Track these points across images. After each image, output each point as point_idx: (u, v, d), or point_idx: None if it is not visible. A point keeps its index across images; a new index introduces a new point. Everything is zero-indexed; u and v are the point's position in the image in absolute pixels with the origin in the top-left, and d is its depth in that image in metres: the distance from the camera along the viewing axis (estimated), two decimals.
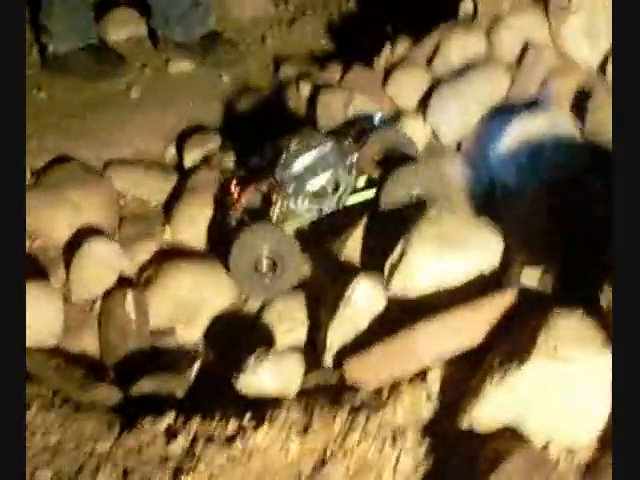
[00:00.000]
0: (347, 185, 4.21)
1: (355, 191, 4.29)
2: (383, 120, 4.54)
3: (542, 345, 2.90)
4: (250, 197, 4.17)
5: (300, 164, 4.10)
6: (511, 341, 3.05)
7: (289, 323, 3.76)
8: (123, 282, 4.01)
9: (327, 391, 3.28)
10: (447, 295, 3.40)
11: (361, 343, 3.37)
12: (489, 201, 4.16)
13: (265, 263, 3.97)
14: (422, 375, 3.22)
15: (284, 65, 5.89)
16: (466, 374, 3.11)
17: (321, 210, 4.20)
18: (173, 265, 4.08)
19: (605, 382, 2.85)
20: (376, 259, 3.68)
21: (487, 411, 2.90)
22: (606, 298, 2.89)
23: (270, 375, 3.31)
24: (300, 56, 6.19)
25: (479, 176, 4.27)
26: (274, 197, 4.12)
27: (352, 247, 3.95)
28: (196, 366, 3.64)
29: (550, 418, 2.87)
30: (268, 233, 4.03)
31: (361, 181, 4.33)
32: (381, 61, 5.27)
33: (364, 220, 4.02)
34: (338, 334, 3.47)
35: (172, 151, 5.11)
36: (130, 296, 3.81)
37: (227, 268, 3.99)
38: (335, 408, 3.10)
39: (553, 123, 4.25)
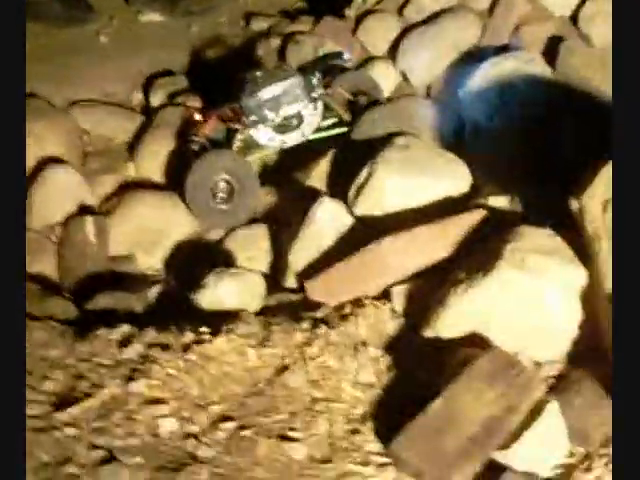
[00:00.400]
0: (311, 119, 4.17)
1: (322, 129, 4.25)
2: (350, 58, 4.48)
3: (508, 256, 2.85)
4: (214, 125, 4.13)
5: (265, 94, 4.06)
6: (478, 255, 3.00)
7: (252, 251, 3.70)
8: (85, 211, 3.92)
9: (288, 309, 3.22)
10: (414, 215, 3.34)
11: (325, 263, 3.29)
12: (459, 139, 4.09)
13: (222, 187, 3.92)
14: (386, 291, 3.15)
15: (255, 18, 5.82)
16: (432, 289, 3.04)
17: (284, 142, 4.16)
18: (135, 195, 4.03)
19: (574, 294, 2.81)
20: (342, 187, 3.61)
21: (452, 320, 2.85)
22: (575, 205, 2.82)
23: (230, 290, 3.26)
24: (271, 12, 6.12)
25: (449, 116, 4.21)
26: (237, 125, 4.06)
27: (318, 176, 3.90)
28: (155, 287, 3.56)
29: (517, 329, 2.82)
30: (224, 157, 3.99)
31: (330, 120, 4.27)
32: (352, 11, 5.23)
33: (331, 151, 3.95)
34: (301, 254, 3.41)
35: (139, 95, 5.07)
36: (90, 221, 3.75)
37: (184, 196, 3.92)
38: (296, 322, 3.03)
39: (524, 64, 4.21)
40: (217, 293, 3.23)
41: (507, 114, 4.07)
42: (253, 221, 3.88)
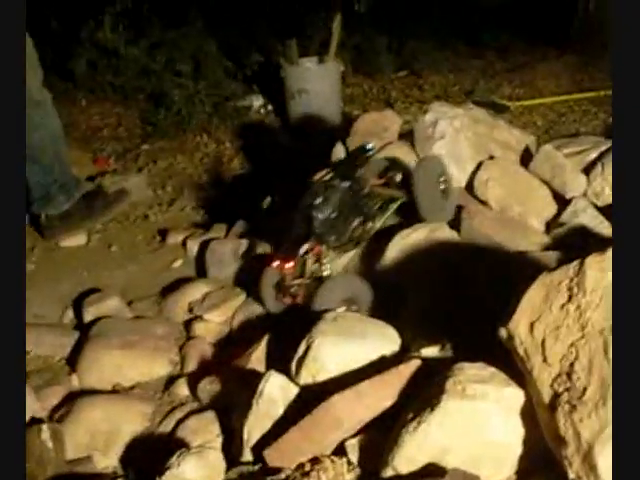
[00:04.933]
0: (372, 214, 4.65)
1: (382, 213, 4.74)
2: (374, 147, 4.92)
3: (450, 389, 3.10)
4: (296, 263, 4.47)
5: (327, 214, 4.41)
6: (421, 397, 3.24)
7: (204, 436, 3.84)
8: (37, 422, 4.03)
9: (251, 478, 3.36)
10: (354, 377, 3.55)
11: (279, 431, 3.47)
12: (384, 307, 4.35)
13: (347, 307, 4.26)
14: (341, 446, 3.35)
15: (171, 232, 6.09)
16: (383, 437, 3.25)
17: (358, 243, 4.64)
18: (83, 401, 4.17)
19: (514, 413, 3.06)
20: (281, 365, 3.83)
21: (408, 455, 3.06)
22: (504, 333, 3.10)
23: (194, 468, 3.40)
24: (184, 226, 6.44)
25: (370, 288, 4.47)
26: (319, 253, 4.48)
27: (257, 359, 4.09)
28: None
29: (468, 454, 3.06)
30: (347, 280, 4.44)
31: (378, 203, 4.74)
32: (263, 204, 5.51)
33: (266, 336, 4.18)
34: (254, 429, 3.59)
35: (70, 314, 5.23)
36: (45, 427, 3.85)
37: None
38: None
39: (432, 232, 4.56)
40: (181, 471, 3.36)
41: (424, 279, 4.37)
42: (201, 410, 4.01)
